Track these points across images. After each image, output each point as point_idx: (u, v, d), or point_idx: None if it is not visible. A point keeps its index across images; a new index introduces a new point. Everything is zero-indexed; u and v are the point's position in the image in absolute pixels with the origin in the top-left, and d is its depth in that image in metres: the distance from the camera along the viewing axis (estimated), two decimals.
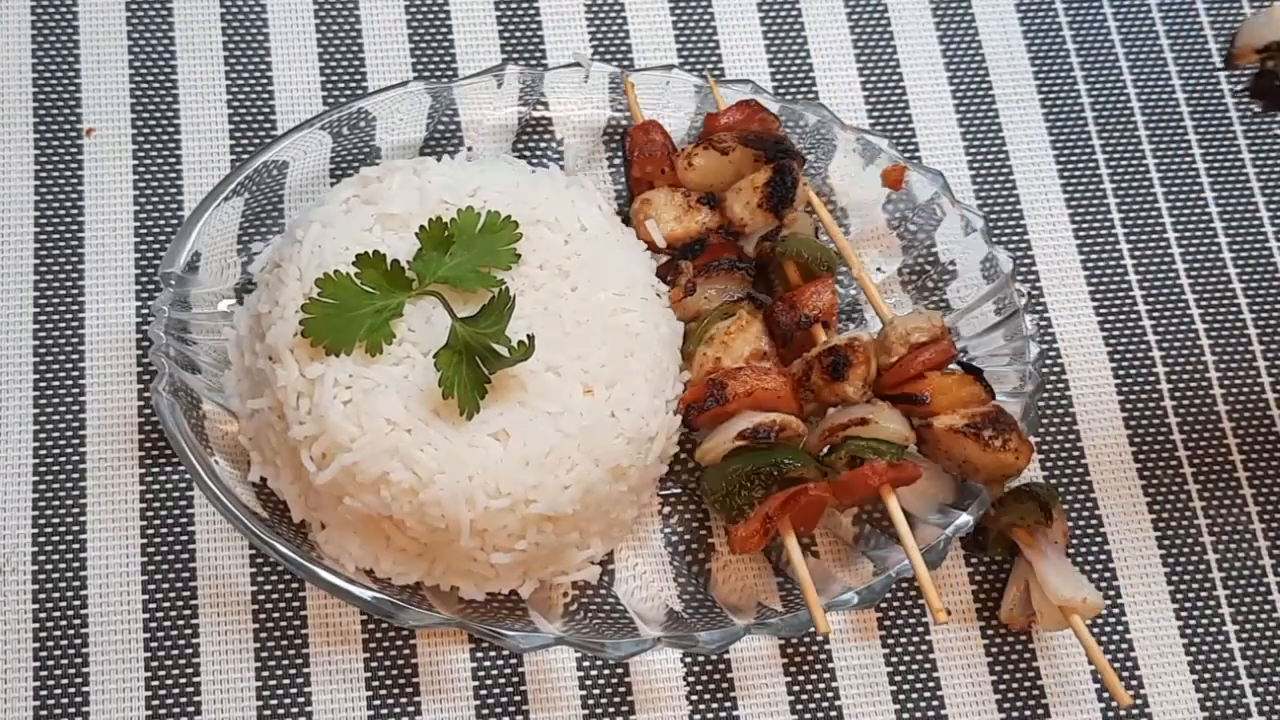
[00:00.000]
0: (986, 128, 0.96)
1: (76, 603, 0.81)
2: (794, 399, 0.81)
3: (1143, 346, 0.92)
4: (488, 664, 0.81)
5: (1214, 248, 0.94)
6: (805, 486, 0.79)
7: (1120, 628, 0.84)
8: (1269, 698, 0.83)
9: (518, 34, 0.97)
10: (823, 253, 0.84)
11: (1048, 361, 0.90)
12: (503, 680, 0.81)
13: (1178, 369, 0.91)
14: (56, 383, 0.85)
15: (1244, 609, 0.85)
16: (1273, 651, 0.84)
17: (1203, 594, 0.85)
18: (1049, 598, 0.78)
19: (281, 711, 0.79)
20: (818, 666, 0.82)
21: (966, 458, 0.80)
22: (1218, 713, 0.83)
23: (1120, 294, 0.93)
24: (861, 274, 0.85)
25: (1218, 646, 0.84)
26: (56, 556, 0.82)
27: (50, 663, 0.80)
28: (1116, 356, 0.91)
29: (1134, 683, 0.83)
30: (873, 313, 0.88)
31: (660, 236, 0.86)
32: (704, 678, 0.82)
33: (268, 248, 0.86)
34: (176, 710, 0.79)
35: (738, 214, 0.86)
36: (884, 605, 0.84)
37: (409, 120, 0.90)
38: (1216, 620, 0.85)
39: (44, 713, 0.79)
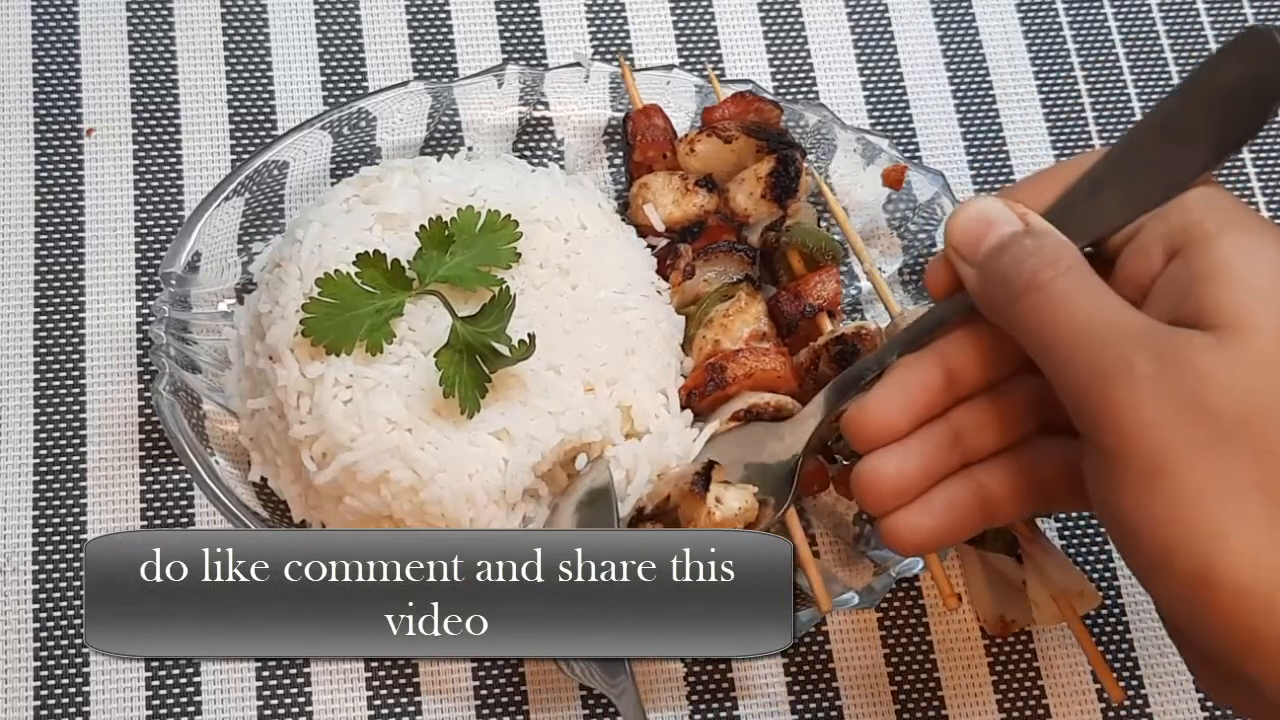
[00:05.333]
0: (987, 128, 0.97)
1: (77, 603, 0.81)
2: (794, 378, 0.81)
3: None
4: (488, 664, 0.81)
5: None
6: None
7: (1120, 627, 0.84)
8: None
9: (518, 34, 0.97)
10: (827, 243, 0.85)
11: None
12: (503, 680, 0.81)
13: None
14: (57, 382, 0.85)
15: None
16: None
17: None
18: (1045, 588, 0.78)
19: (281, 711, 0.79)
20: (818, 666, 0.82)
21: None
22: (1218, 712, 0.83)
23: None
24: (870, 268, 0.85)
25: None
26: (57, 556, 0.82)
27: (50, 663, 0.80)
28: None
29: (1134, 682, 0.83)
30: (872, 312, 0.88)
31: (659, 220, 0.86)
32: (704, 678, 0.82)
33: (268, 248, 0.86)
34: (176, 710, 0.79)
35: (741, 204, 0.86)
36: (884, 605, 0.84)
37: (409, 120, 0.90)
38: None
39: (44, 713, 0.79)
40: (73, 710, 0.79)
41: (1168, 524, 0.56)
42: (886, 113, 0.97)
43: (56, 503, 0.83)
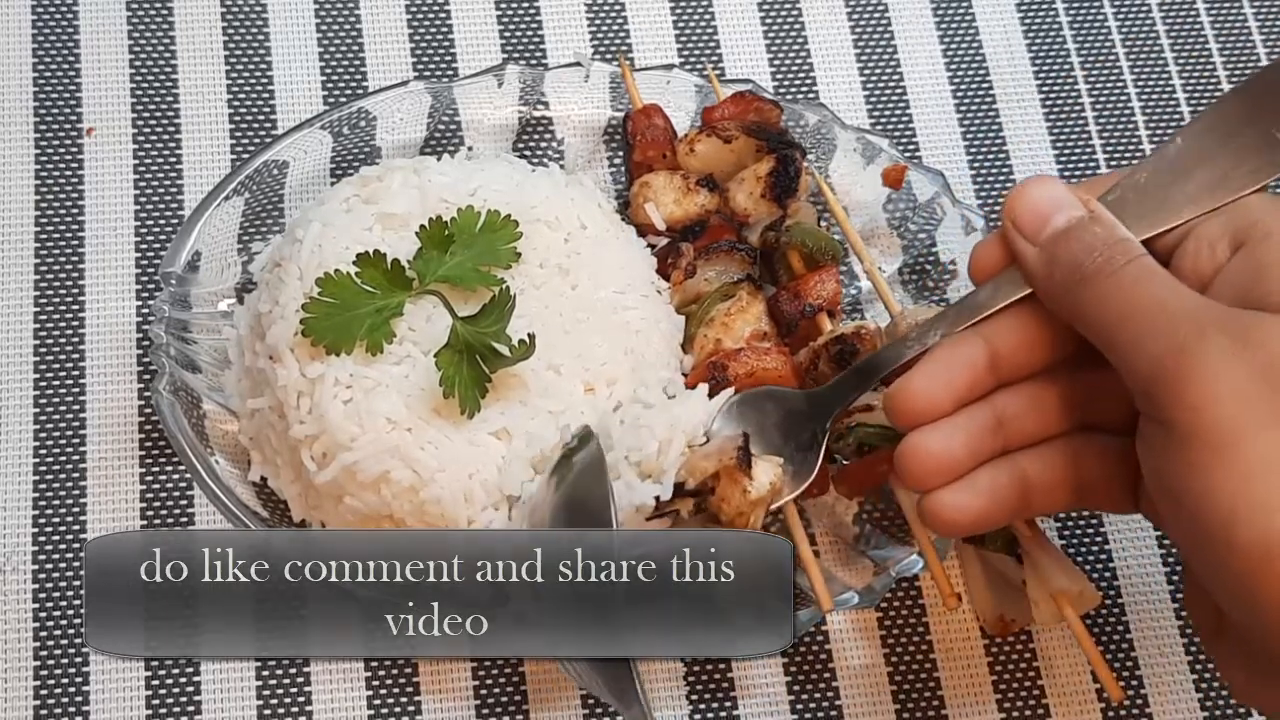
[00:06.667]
0: (987, 128, 0.96)
1: (77, 602, 0.81)
2: (794, 377, 0.81)
3: None
4: (488, 664, 0.81)
5: None
6: None
7: (1120, 627, 0.84)
8: None
9: (518, 34, 0.97)
10: (827, 242, 0.85)
11: None
12: (503, 680, 0.81)
13: None
14: (57, 382, 0.85)
15: None
16: None
17: None
18: (1045, 588, 0.78)
19: (281, 711, 0.79)
20: (818, 666, 0.82)
21: None
22: (1218, 712, 0.83)
23: None
24: (870, 267, 0.85)
25: None
26: (57, 556, 0.82)
27: (50, 663, 0.80)
28: None
29: (1134, 682, 0.83)
30: (872, 311, 0.88)
31: (660, 219, 0.86)
32: (704, 678, 0.82)
33: (268, 247, 0.86)
34: (176, 710, 0.79)
35: (741, 204, 0.86)
36: (884, 605, 0.84)
37: (409, 120, 0.90)
38: None
39: (44, 712, 0.79)
40: (73, 710, 0.79)
41: (1231, 496, 0.57)
42: (886, 113, 0.97)
43: (56, 502, 0.83)
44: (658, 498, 0.75)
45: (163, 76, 0.93)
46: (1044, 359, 0.68)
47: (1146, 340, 0.60)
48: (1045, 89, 0.98)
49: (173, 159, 0.91)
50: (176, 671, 0.80)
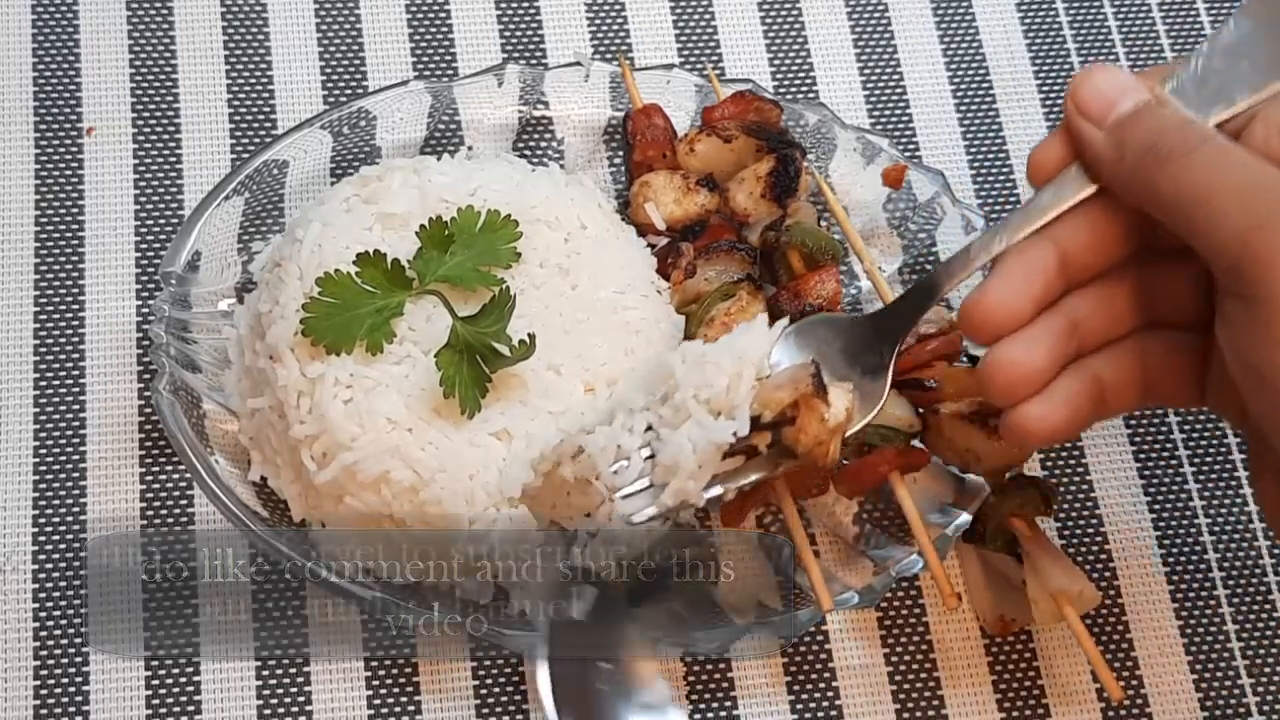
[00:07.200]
0: (987, 127, 0.97)
1: (77, 601, 0.81)
2: None
3: None
4: (488, 664, 0.81)
5: None
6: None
7: (1120, 627, 0.84)
8: (1269, 698, 0.83)
9: (518, 33, 0.97)
10: (827, 242, 0.84)
11: None
12: (503, 680, 0.81)
13: None
14: (57, 382, 0.85)
15: (1244, 609, 0.85)
16: (1273, 651, 0.84)
17: (1203, 594, 0.85)
18: (1045, 588, 0.78)
19: (282, 711, 0.79)
20: (818, 666, 0.82)
21: (970, 446, 0.80)
22: (1218, 712, 0.83)
23: None
24: (870, 267, 0.85)
25: (1218, 646, 0.84)
26: (56, 555, 0.82)
27: (50, 662, 0.80)
28: None
29: (1134, 682, 0.83)
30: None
31: (660, 219, 0.86)
32: (704, 678, 0.82)
33: (268, 247, 0.86)
34: (177, 710, 0.79)
35: (741, 204, 0.86)
36: (884, 605, 0.84)
37: (409, 119, 0.90)
38: (1216, 620, 0.85)
39: (44, 712, 0.79)
40: (72, 710, 0.79)
41: None
42: (886, 113, 0.97)
43: (56, 502, 0.83)
44: (735, 433, 0.71)
45: (163, 76, 0.93)
46: (1111, 257, 0.68)
47: (1229, 217, 0.60)
48: (1045, 89, 0.98)
49: (173, 159, 0.91)
50: (176, 671, 0.80)
